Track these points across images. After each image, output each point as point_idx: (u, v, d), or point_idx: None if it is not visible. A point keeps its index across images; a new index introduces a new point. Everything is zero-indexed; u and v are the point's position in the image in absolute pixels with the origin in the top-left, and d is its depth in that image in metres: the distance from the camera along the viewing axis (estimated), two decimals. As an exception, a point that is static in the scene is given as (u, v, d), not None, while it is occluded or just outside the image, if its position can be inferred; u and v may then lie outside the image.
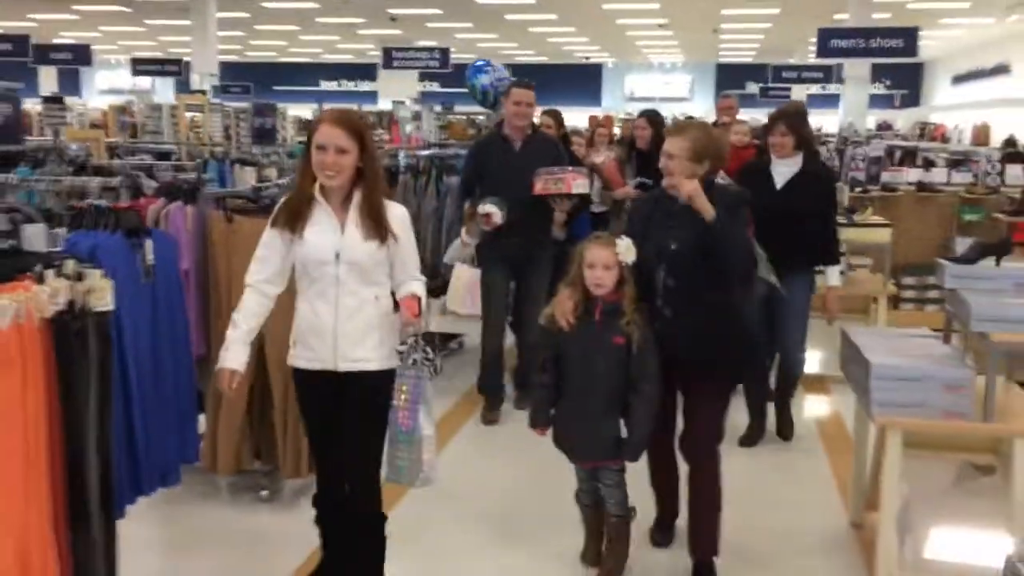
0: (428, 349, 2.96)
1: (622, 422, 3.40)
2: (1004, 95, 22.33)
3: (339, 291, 2.94)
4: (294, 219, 2.94)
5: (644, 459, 3.59)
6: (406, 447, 2.97)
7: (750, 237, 3.58)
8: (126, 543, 2.67)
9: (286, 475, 4.04)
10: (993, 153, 8.41)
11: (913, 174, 8.07)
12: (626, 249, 3.35)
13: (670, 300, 3.43)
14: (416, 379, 2.94)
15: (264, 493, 4.17)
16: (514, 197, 5.05)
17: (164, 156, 7.46)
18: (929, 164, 9.15)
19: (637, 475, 3.67)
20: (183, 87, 27.02)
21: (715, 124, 6.91)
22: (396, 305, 3.05)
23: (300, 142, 9.86)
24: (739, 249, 3.44)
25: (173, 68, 20.94)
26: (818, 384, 6.08)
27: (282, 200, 3.07)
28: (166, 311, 3.08)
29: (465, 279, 5.53)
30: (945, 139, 22.92)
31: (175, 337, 3.13)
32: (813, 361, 6.08)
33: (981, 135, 22.56)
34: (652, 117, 6.48)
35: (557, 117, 6.33)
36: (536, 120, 5.83)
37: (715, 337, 3.41)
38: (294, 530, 3.69)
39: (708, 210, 3.31)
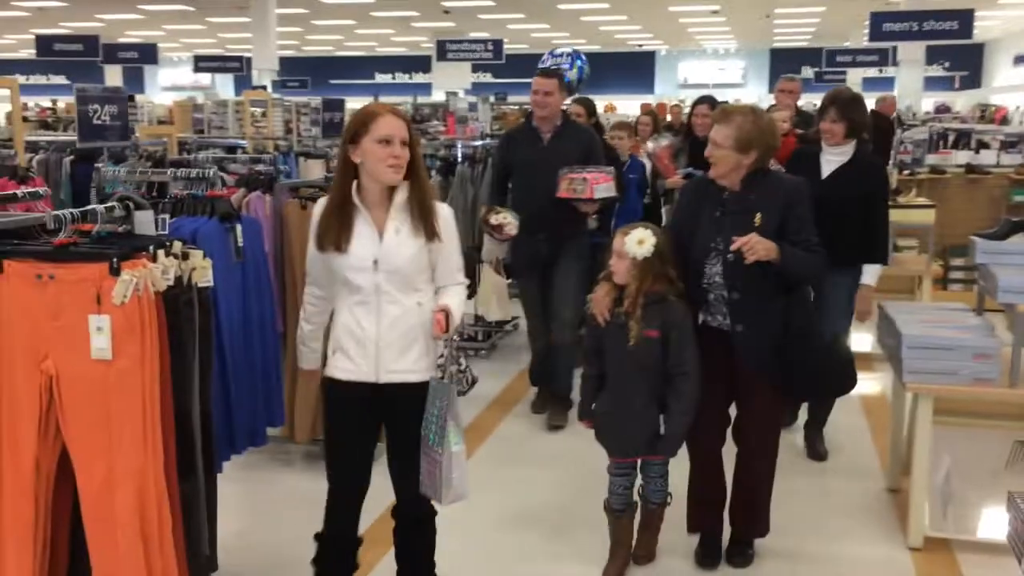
0: (462, 361, 2.83)
1: (662, 417, 3.37)
2: (1068, 75, 21.91)
3: (380, 299, 2.81)
4: (338, 234, 2.81)
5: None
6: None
7: (813, 237, 3.35)
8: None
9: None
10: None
11: (962, 156, 8.15)
12: (635, 243, 3.26)
13: (739, 316, 3.32)
14: (448, 393, 2.78)
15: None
16: (541, 192, 4.84)
17: (231, 151, 7.88)
18: (983, 146, 9.20)
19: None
20: (242, 82, 27.84)
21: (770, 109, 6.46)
22: None
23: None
24: (811, 269, 3.34)
25: (234, 64, 21.61)
26: (863, 361, 6.25)
27: (320, 213, 2.89)
28: (255, 287, 3.43)
29: (492, 284, 5.41)
30: (1006, 121, 22.58)
31: (262, 311, 3.49)
32: (859, 340, 6.17)
33: (1044, 116, 22.13)
34: (714, 103, 5.98)
35: (588, 105, 6.13)
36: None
37: (794, 360, 3.30)
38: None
39: (770, 255, 3.18)
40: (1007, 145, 9.05)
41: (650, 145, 6.46)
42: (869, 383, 5.99)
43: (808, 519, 4.02)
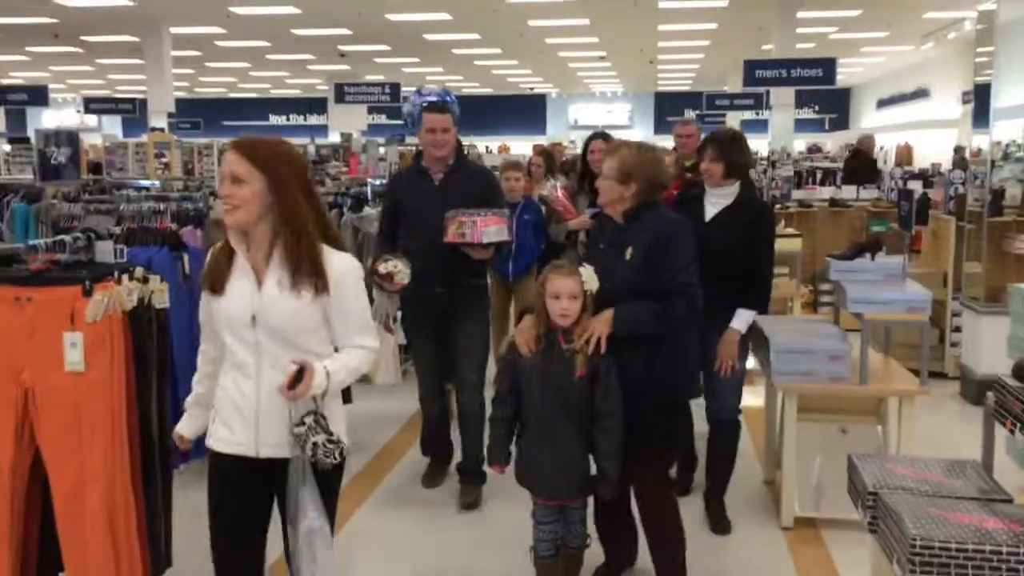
0: (332, 431, 2.47)
1: (591, 458, 3.29)
2: (924, 117, 23.78)
3: (261, 361, 2.47)
4: (214, 275, 2.54)
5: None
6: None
7: (687, 279, 3.30)
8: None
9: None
10: (895, 171, 9.37)
11: (826, 191, 9.00)
12: (590, 277, 3.24)
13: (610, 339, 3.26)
14: (302, 471, 2.45)
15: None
16: (433, 239, 4.30)
17: (141, 190, 8.09)
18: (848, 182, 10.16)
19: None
20: (131, 124, 27.48)
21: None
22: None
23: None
24: (654, 322, 3.26)
25: (127, 106, 21.44)
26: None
27: (212, 250, 2.66)
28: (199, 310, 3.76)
29: (384, 348, 4.61)
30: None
31: (206, 332, 3.82)
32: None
33: (904, 155, 23.94)
34: (608, 139, 5.63)
35: (546, 155, 6.09)
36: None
37: (651, 371, 3.31)
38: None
39: (607, 329, 3.21)
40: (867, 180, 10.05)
41: (546, 189, 6.18)
42: (747, 396, 6.60)
43: (697, 509, 4.52)
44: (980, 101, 6.62)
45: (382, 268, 4.32)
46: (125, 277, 2.98)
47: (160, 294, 3.10)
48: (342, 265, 2.52)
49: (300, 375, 2.39)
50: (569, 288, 3.20)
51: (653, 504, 3.48)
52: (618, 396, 3.24)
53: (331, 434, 2.47)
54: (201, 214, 4.52)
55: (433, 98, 6.53)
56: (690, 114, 24.51)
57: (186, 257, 3.60)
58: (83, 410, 2.89)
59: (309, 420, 2.44)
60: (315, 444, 2.43)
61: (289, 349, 2.48)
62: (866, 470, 2.65)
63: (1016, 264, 6.92)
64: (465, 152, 5.22)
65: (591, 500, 3.54)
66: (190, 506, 3.46)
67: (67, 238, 3.02)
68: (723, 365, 4.13)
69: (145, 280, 3.05)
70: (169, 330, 3.25)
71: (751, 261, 4.11)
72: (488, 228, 4.29)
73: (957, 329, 6.93)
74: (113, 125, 32.84)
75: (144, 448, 3.07)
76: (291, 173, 2.47)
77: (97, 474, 2.91)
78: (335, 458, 2.47)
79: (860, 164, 10.92)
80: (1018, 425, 2.26)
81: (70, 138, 5.20)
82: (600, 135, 5.99)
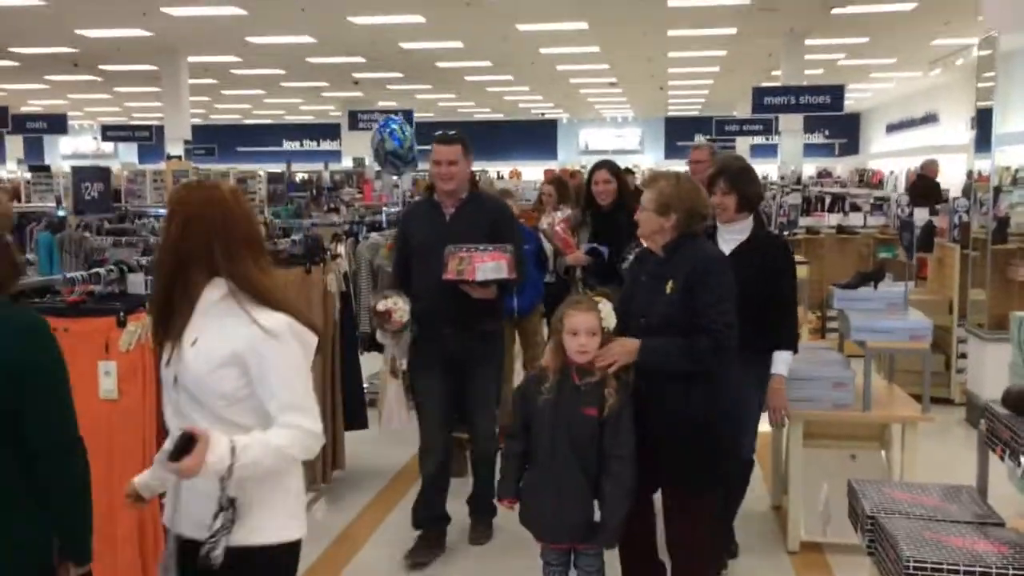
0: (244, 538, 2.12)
1: (596, 503, 3.13)
2: (933, 142, 23.90)
3: (182, 426, 2.12)
4: (159, 322, 2.29)
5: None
6: None
7: (719, 317, 3.20)
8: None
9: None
10: (902, 198, 9.49)
11: (833, 218, 9.12)
12: (608, 314, 3.21)
13: (647, 391, 3.23)
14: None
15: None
16: (439, 278, 4.07)
17: (161, 219, 8.28)
18: (855, 208, 10.28)
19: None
20: (147, 151, 27.89)
21: None
22: None
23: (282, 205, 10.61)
24: (684, 359, 3.18)
25: (143, 134, 21.80)
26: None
27: None
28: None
29: (390, 392, 4.45)
30: (882, 184, 24.39)
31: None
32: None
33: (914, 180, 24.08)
34: (614, 168, 5.36)
35: (614, 170, 5.35)
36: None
37: (690, 420, 3.21)
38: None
39: (630, 358, 3.17)
40: (875, 207, 10.16)
41: (544, 222, 5.66)
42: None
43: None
44: (983, 127, 6.74)
45: (380, 305, 4.16)
46: (156, 308, 3.12)
47: (188, 324, 3.25)
48: (266, 326, 2.14)
49: (187, 444, 1.98)
50: (588, 324, 3.14)
51: (685, 553, 3.32)
52: (629, 439, 3.12)
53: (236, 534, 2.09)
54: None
55: (394, 128, 6.52)
56: (701, 139, 24.74)
57: (212, 288, 3.76)
58: (115, 436, 3.03)
59: (222, 517, 2.07)
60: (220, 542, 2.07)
61: (208, 417, 2.16)
62: (865, 495, 2.76)
63: (1020, 291, 7.02)
64: (478, 181, 4.97)
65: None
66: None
67: (102, 271, 3.17)
68: (776, 415, 4.03)
69: (174, 311, 3.20)
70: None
71: (774, 299, 3.88)
72: (484, 264, 4.03)
73: (963, 355, 7.02)
74: (129, 152, 33.28)
75: (172, 472, 3.20)
76: (203, 223, 2.19)
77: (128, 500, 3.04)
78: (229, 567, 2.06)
79: (925, 189, 11.16)
80: (1008, 452, 2.37)
81: (102, 174, 5.37)
82: (605, 164, 5.39)
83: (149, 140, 21.34)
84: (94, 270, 3.16)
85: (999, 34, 6.31)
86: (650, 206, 3.31)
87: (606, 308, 3.23)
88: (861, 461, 4.61)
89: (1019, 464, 2.29)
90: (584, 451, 3.11)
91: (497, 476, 3.55)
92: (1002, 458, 2.41)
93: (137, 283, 3.29)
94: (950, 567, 2.24)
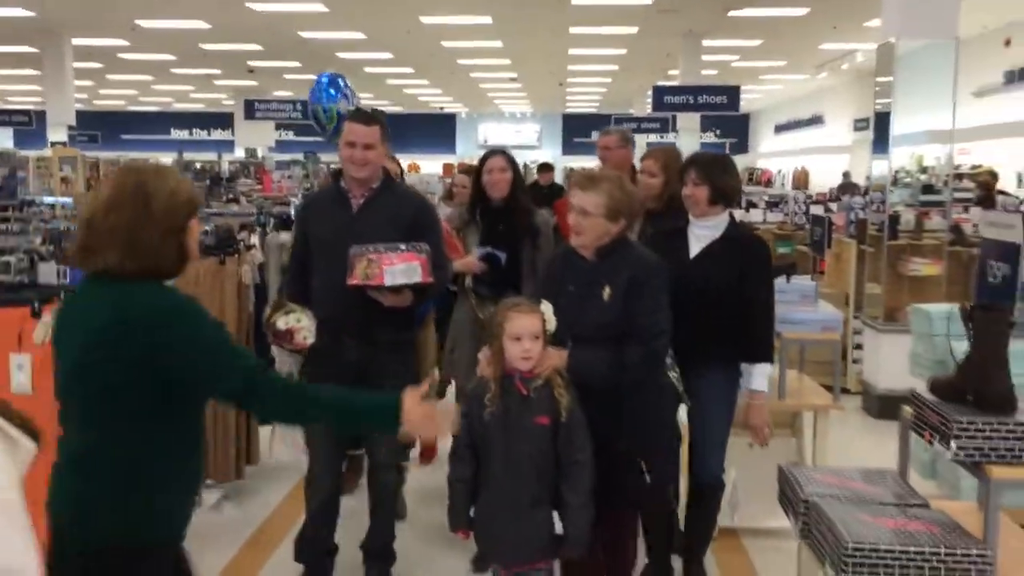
0: None
1: (556, 516, 2.97)
2: (819, 143, 24.92)
3: None
4: None
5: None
6: None
7: (655, 323, 3.08)
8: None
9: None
10: (799, 196, 9.82)
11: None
12: (551, 316, 3.00)
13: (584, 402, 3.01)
14: None
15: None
16: (341, 281, 3.49)
17: (51, 208, 7.91)
18: (751, 206, 10.59)
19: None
20: (24, 136, 26.52)
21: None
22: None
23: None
24: (610, 371, 3.03)
25: (22, 118, 20.75)
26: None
27: None
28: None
29: None
30: (770, 183, 25.29)
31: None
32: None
33: (800, 179, 25.00)
34: (510, 157, 4.55)
35: (510, 159, 4.56)
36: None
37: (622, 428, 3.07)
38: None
39: (555, 363, 2.99)
40: (771, 204, 10.49)
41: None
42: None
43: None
44: (879, 128, 7.03)
45: (280, 323, 3.52)
46: (72, 298, 2.97)
47: (105, 316, 3.09)
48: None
49: None
50: (531, 328, 2.92)
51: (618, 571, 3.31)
52: (585, 443, 2.95)
53: None
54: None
55: (333, 93, 4.94)
56: (596, 136, 25.07)
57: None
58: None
59: None
60: None
61: None
62: (797, 480, 2.84)
63: (911, 285, 7.37)
64: (399, 173, 4.57)
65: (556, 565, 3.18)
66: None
67: (11, 259, 2.99)
68: (759, 435, 3.74)
69: (91, 302, 3.04)
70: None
71: (749, 304, 3.53)
72: (393, 267, 3.48)
73: (858, 346, 7.33)
74: (3, 137, 31.62)
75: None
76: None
77: (41, 498, 2.88)
78: None
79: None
80: (938, 436, 2.47)
81: (8, 159, 5.08)
82: (499, 151, 4.59)
83: (28, 125, 20.34)
84: (3, 259, 2.98)
85: (896, 39, 6.59)
86: (598, 211, 3.06)
87: (548, 310, 3.00)
88: (772, 448, 4.75)
89: (949, 447, 2.39)
90: (541, 463, 2.93)
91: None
92: (931, 442, 2.52)
93: (49, 272, 3.12)
94: (887, 547, 2.32)
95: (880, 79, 6.91)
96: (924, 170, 8.65)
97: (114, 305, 2.07)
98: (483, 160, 4.54)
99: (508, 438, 2.92)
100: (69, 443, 2.16)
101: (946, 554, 2.30)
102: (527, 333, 2.91)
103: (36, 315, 2.82)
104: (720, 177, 3.57)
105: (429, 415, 2.26)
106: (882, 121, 6.85)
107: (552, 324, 2.98)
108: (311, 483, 3.81)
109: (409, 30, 15.97)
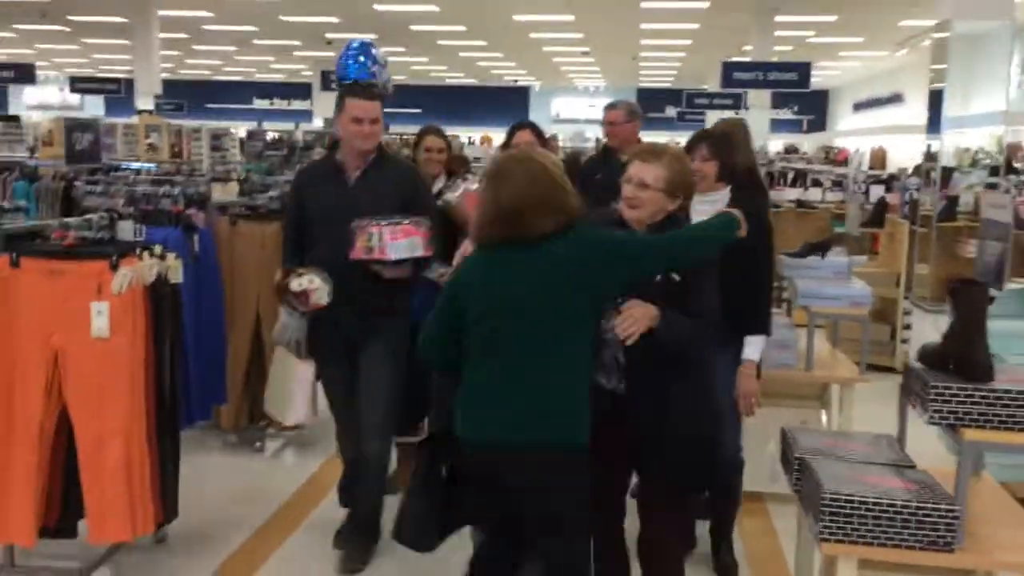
0: None
1: None
2: (898, 122, 24.35)
3: None
4: None
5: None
6: None
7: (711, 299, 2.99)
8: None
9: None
10: (859, 175, 9.82)
11: (792, 193, 9.43)
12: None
13: (630, 379, 2.91)
14: None
15: (257, 445, 5.20)
16: (343, 250, 3.56)
17: (136, 172, 8.40)
18: (816, 184, 10.62)
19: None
20: (114, 104, 27.58)
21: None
22: None
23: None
24: (687, 336, 2.90)
25: (112, 87, 21.61)
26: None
27: None
28: (207, 286, 4.12)
29: (289, 374, 3.93)
30: (847, 163, 24.85)
31: (212, 306, 4.19)
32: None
33: (878, 159, 24.51)
34: (539, 131, 4.50)
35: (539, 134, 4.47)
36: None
37: (677, 419, 2.93)
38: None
39: (649, 323, 2.77)
40: (835, 184, 10.50)
41: (456, 191, 4.31)
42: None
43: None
44: (934, 109, 7.05)
45: (295, 285, 3.58)
46: (146, 254, 3.33)
47: (175, 271, 3.46)
48: None
49: None
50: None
51: (658, 553, 3.10)
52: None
53: None
54: (203, 197, 4.86)
55: (359, 65, 4.34)
56: (671, 111, 24.89)
57: (196, 237, 3.96)
58: (106, 372, 3.24)
59: None
60: None
61: None
62: (796, 441, 3.05)
63: (966, 266, 7.37)
64: (391, 146, 4.55)
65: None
66: (187, 468, 3.81)
67: (94, 217, 3.36)
68: (746, 403, 3.70)
69: (163, 257, 3.41)
70: (182, 304, 3.60)
71: (747, 276, 3.50)
72: (397, 242, 3.53)
73: (907, 327, 7.38)
74: (95, 104, 32.89)
75: (159, 409, 3.42)
76: None
77: (117, 430, 3.27)
78: None
79: None
80: (919, 402, 2.65)
81: (93, 126, 5.52)
82: (528, 124, 4.56)
83: (118, 93, 21.17)
84: (87, 216, 3.35)
85: (953, 19, 6.60)
86: (658, 184, 2.91)
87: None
88: (803, 420, 4.91)
89: (926, 410, 2.58)
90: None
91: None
92: (914, 406, 2.70)
93: (127, 230, 3.48)
94: (860, 498, 2.53)
95: (937, 58, 6.92)
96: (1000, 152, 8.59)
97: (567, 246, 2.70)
98: (511, 133, 4.52)
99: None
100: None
101: (916, 507, 2.50)
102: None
103: (114, 268, 3.17)
104: (730, 154, 3.64)
105: None
106: (936, 101, 6.87)
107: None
108: (340, 438, 4.10)
109: (482, 3, 16.19)
